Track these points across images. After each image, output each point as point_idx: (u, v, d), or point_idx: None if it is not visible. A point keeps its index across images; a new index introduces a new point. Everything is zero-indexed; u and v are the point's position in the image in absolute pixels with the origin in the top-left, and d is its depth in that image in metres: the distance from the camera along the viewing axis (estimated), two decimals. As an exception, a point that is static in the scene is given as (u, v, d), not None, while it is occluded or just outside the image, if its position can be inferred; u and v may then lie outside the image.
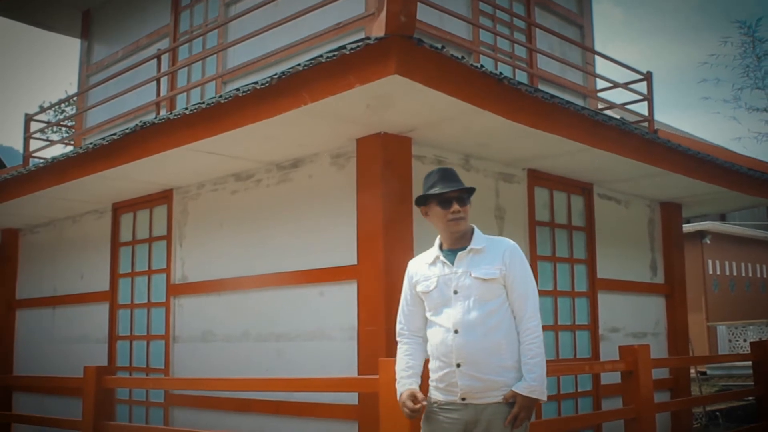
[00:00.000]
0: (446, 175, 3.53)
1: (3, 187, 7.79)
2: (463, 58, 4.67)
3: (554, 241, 7.00)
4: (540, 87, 7.78)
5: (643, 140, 6.32)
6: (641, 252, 8.11)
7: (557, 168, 6.84)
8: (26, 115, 9.99)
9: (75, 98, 11.55)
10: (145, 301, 7.68)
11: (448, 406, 3.40)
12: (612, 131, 5.99)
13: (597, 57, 8.79)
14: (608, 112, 8.92)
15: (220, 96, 5.23)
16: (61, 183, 7.03)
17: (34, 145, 10.72)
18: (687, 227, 15.12)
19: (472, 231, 3.55)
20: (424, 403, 3.39)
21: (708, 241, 15.95)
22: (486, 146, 6.03)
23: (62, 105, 21.93)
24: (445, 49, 4.50)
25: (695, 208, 9.03)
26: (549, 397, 6.48)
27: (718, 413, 10.56)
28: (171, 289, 7.31)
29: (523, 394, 3.29)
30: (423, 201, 3.57)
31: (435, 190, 3.49)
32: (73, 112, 17.24)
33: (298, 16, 6.33)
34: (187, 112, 5.47)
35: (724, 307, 16.25)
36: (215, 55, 8.01)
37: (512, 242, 3.56)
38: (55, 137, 20.27)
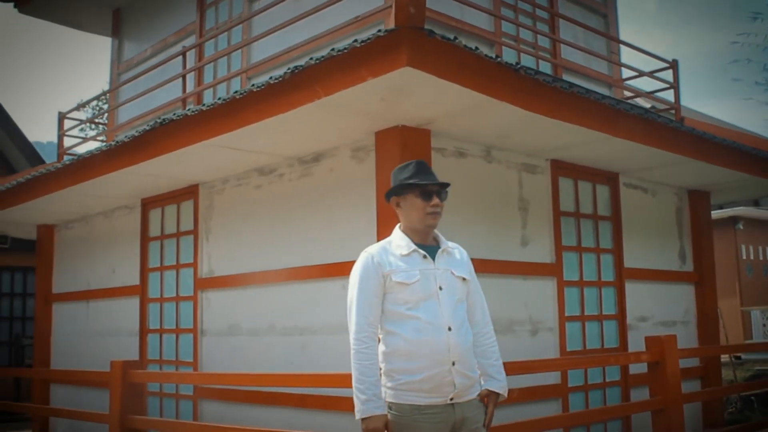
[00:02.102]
0: (424, 168, 3.45)
1: (34, 184, 7.96)
2: (476, 48, 4.64)
3: (579, 231, 6.94)
4: (564, 77, 7.72)
5: (666, 128, 6.23)
6: (669, 240, 8.01)
7: (581, 158, 6.77)
8: (60, 113, 10.16)
9: (108, 95, 11.72)
10: (174, 295, 7.79)
11: (431, 410, 3.19)
12: (634, 120, 5.91)
13: (623, 46, 8.66)
14: (637, 101, 8.82)
15: (236, 92, 5.28)
16: (87, 180, 7.15)
17: (69, 142, 10.96)
18: (719, 213, 14.96)
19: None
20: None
21: (741, 227, 15.72)
22: (507, 137, 5.99)
23: (99, 102, 22.23)
24: (457, 40, 4.47)
25: (724, 195, 8.90)
26: (576, 388, 6.56)
27: (753, 398, 10.40)
28: (198, 283, 7.40)
29: (501, 393, 3.39)
30: (399, 191, 3.43)
31: (416, 180, 3.37)
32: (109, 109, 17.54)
33: (319, 9, 6.34)
34: (204, 108, 5.53)
35: (758, 292, 16.08)
36: (240, 51, 8.07)
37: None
38: (93, 134, 20.58)
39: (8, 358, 13.56)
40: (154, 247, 8.16)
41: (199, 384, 7.03)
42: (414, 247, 3.37)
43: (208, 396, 7.05)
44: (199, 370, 7.22)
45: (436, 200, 3.38)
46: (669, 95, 8.15)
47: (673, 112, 7.96)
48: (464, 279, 3.40)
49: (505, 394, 3.40)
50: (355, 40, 4.48)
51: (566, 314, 6.60)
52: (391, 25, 4.40)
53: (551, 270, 6.55)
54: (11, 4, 11.05)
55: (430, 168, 3.49)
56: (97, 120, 12.44)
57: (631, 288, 7.33)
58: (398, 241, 3.40)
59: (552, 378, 6.31)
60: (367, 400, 3.15)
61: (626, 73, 8.83)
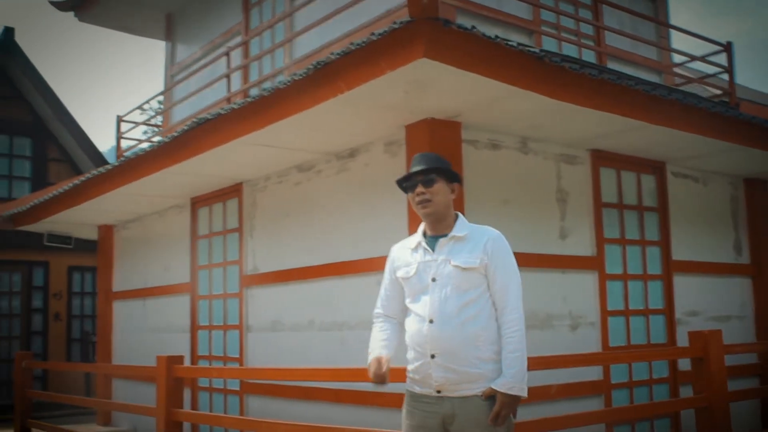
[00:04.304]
0: (418, 159, 3.44)
1: (87, 186, 8.22)
2: (497, 37, 4.55)
3: (623, 223, 6.74)
4: (609, 65, 7.53)
5: (709, 114, 5.99)
6: (723, 231, 7.70)
7: (624, 147, 6.57)
8: (117, 116, 10.47)
9: (162, 97, 12.01)
10: (222, 292, 7.93)
11: (424, 399, 3.30)
12: (672, 106, 5.70)
13: (675, 31, 8.38)
14: (690, 87, 8.53)
15: (263, 89, 5.33)
16: (135, 180, 7.34)
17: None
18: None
19: (455, 218, 3.45)
20: (389, 365, 3.33)
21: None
22: (539, 128, 5.87)
23: (160, 104, 22.83)
24: (475, 29, 4.40)
25: (785, 183, 8.50)
26: (620, 385, 6.39)
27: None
28: (243, 280, 7.51)
29: (502, 391, 3.15)
30: (404, 192, 3.51)
31: (401, 179, 3.48)
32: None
33: (354, 3, 6.34)
34: (235, 107, 5.60)
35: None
36: (283, 49, 8.16)
37: (496, 231, 3.41)
38: (151, 135, 21.11)
39: (80, 355, 14.09)
40: (203, 245, 8.32)
41: (241, 379, 7.14)
42: (420, 239, 3.45)
43: (253, 391, 7.15)
44: (244, 366, 7.33)
45: (419, 189, 3.37)
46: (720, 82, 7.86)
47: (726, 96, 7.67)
48: (464, 268, 3.26)
49: (508, 391, 3.15)
50: (372, 33, 4.46)
51: (609, 309, 6.43)
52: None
53: (592, 263, 6.39)
54: (71, 13, 11.47)
55: (421, 158, 3.45)
56: (152, 121, 12.76)
57: (681, 281, 7.08)
58: (416, 235, 3.51)
59: (594, 374, 6.16)
60: (370, 353, 3.44)
61: (680, 58, 8.55)
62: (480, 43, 4.49)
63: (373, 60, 4.53)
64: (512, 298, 3.27)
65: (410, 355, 3.36)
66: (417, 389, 3.34)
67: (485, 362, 3.20)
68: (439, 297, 3.27)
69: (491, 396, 3.18)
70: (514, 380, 3.16)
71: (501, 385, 3.16)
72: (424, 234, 3.47)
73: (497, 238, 3.37)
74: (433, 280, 3.30)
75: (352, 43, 4.59)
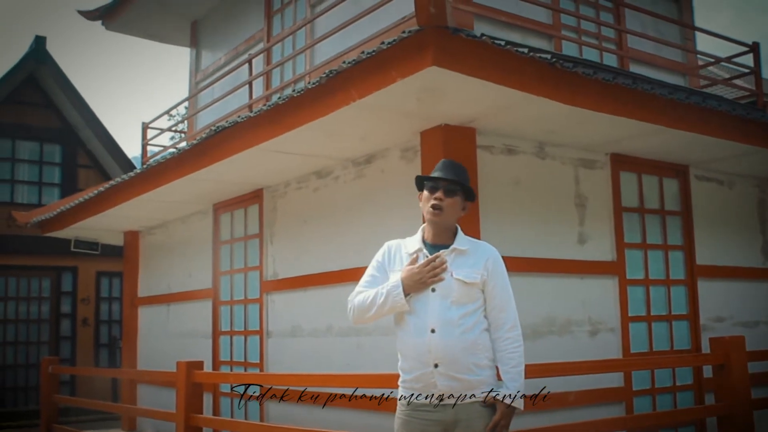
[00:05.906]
0: (448, 165, 3.50)
1: (112, 193, 8.32)
2: (507, 44, 4.52)
3: (644, 227, 6.65)
4: (631, 68, 7.44)
5: (730, 117, 5.89)
6: (751, 235, 7.55)
7: (644, 151, 6.49)
8: (143, 123, 10.58)
9: (187, 104, 12.10)
10: (242, 297, 7.97)
11: (424, 408, 3.30)
12: (691, 110, 5.62)
13: (699, 32, 8.25)
14: (718, 88, 8.40)
15: (279, 97, 5.35)
16: (157, 187, 7.42)
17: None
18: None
19: (455, 230, 3.48)
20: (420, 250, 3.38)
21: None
22: (557, 132, 5.82)
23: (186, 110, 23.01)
24: (484, 37, 4.38)
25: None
26: (642, 392, 6.31)
27: None
28: (264, 286, 7.55)
29: (506, 402, 3.27)
30: (419, 187, 3.56)
31: (427, 176, 3.51)
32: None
33: (373, 9, 6.34)
34: (251, 115, 5.63)
35: None
36: (304, 55, 8.18)
37: (495, 250, 3.49)
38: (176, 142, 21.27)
39: (108, 360, 14.25)
40: (225, 251, 8.38)
41: (258, 384, 7.16)
42: (420, 246, 3.47)
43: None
44: (264, 371, 7.36)
45: (438, 194, 3.41)
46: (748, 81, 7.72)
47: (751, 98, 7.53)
48: (466, 282, 3.32)
49: (514, 404, 3.28)
50: (383, 43, 4.46)
51: (630, 314, 6.35)
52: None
53: (612, 268, 6.31)
54: (99, 22, 11.62)
55: (450, 166, 3.51)
56: (177, 128, 12.88)
57: (705, 286, 6.96)
58: (414, 239, 3.53)
59: (614, 380, 6.08)
60: (390, 289, 3.31)
61: (705, 60, 8.42)
62: (490, 50, 4.46)
63: (383, 69, 4.53)
64: (511, 315, 3.39)
65: (407, 364, 3.35)
66: (414, 398, 3.33)
67: (483, 369, 3.30)
68: (441, 307, 3.29)
69: (492, 403, 3.29)
70: (517, 393, 3.29)
71: (505, 397, 3.27)
72: (424, 242, 3.48)
73: (497, 256, 3.47)
74: (433, 290, 3.32)
75: (363, 52, 4.60)
